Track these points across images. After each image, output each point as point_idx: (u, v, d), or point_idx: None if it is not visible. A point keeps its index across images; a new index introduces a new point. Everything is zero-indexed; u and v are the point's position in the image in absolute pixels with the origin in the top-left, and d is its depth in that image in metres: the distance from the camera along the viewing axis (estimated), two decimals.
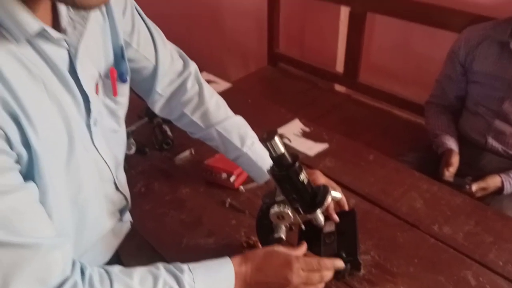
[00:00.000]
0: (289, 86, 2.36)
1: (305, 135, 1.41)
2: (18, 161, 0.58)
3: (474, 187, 1.33)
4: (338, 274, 0.87)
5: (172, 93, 0.98)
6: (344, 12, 2.16)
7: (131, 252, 1.01)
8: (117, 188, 0.86)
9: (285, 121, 1.48)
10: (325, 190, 0.77)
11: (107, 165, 0.80)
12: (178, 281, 0.68)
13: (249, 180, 1.21)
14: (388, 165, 1.27)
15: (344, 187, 1.18)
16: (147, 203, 1.16)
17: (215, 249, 1.03)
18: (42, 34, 0.59)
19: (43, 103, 0.61)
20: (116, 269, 0.67)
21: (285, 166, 0.72)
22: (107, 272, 0.66)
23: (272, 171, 0.74)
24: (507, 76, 1.38)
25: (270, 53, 2.51)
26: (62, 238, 0.63)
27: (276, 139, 0.70)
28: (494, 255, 0.98)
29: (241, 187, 1.18)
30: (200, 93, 0.98)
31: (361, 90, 2.18)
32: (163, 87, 0.95)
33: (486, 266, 0.95)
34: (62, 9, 0.65)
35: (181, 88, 0.97)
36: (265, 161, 0.94)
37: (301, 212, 0.78)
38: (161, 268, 0.70)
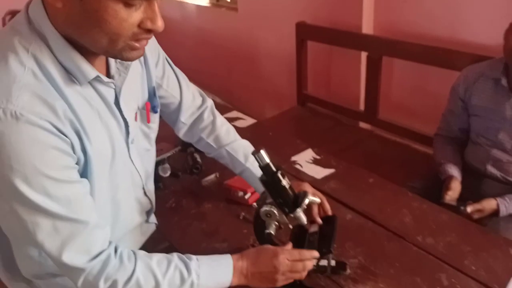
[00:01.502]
0: (316, 123, 2.58)
1: (315, 162, 1.61)
2: (77, 163, 0.83)
3: (469, 208, 1.45)
4: (322, 269, 1.04)
5: (192, 122, 1.24)
6: (364, 56, 2.38)
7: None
8: (145, 193, 1.10)
9: (299, 150, 1.69)
10: (304, 194, 0.97)
11: (139, 174, 1.05)
12: (186, 266, 0.91)
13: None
14: (386, 187, 1.43)
15: (344, 205, 1.35)
16: (176, 216, 1.39)
17: (228, 251, 1.22)
18: (97, 79, 0.85)
19: (96, 125, 0.87)
20: (141, 252, 0.90)
21: (270, 174, 0.93)
22: (134, 253, 0.89)
23: (261, 178, 0.95)
24: (501, 108, 1.52)
25: (299, 94, 2.75)
26: (104, 221, 0.87)
27: (262, 152, 0.92)
28: (469, 262, 1.11)
29: (254, 204, 1.38)
30: (214, 122, 1.24)
31: (381, 126, 2.36)
32: (186, 118, 1.22)
33: (460, 270, 1.08)
34: (112, 61, 0.92)
35: (200, 118, 1.24)
36: None
37: (287, 212, 0.98)
38: (174, 255, 0.92)
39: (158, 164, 1.50)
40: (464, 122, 1.69)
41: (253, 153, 0.92)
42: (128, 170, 1.01)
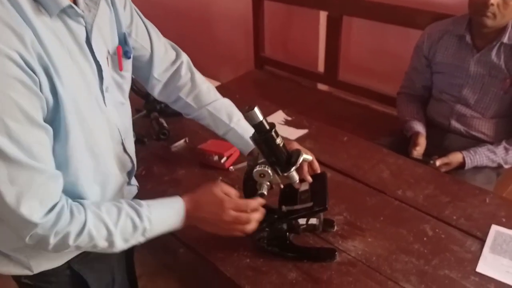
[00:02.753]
0: (275, 86, 2.54)
1: (287, 123, 1.58)
2: (45, 105, 0.72)
3: (438, 162, 1.50)
4: (312, 228, 1.03)
5: (168, 79, 1.15)
6: (323, 16, 2.35)
7: None
8: (125, 150, 1.00)
9: (269, 112, 1.64)
10: (298, 153, 0.93)
11: (118, 128, 0.94)
12: (138, 213, 0.87)
13: (238, 161, 1.37)
14: (360, 144, 1.44)
15: (321, 163, 1.33)
16: (148, 183, 1.31)
17: None
18: (66, 11, 0.74)
19: (67, 63, 0.76)
20: (87, 202, 0.85)
21: (264, 132, 0.88)
22: (81, 203, 0.83)
23: (253, 137, 0.90)
24: (465, 65, 1.56)
25: (256, 56, 2.69)
26: (59, 172, 0.79)
27: (256, 109, 0.86)
28: (450, 212, 1.14)
29: (231, 167, 1.34)
30: (193, 79, 1.15)
31: (341, 88, 2.36)
32: (159, 73, 1.12)
33: (442, 220, 1.11)
34: None
35: (176, 74, 1.14)
36: (249, 134, 1.11)
37: (279, 173, 0.94)
38: (123, 203, 0.88)
39: None
40: (427, 79, 1.73)
41: (246, 111, 0.86)
42: (106, 122, 0.90)
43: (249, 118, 0.87)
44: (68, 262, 0.95)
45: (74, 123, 0.78)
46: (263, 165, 0.92)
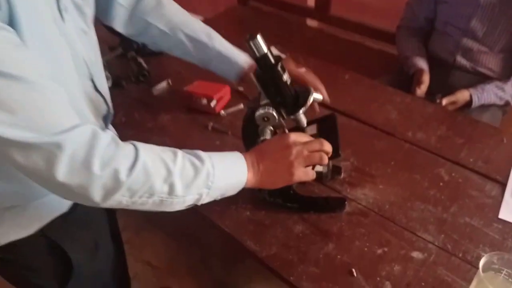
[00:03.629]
0: (260, 24, 2.34)
1: None
2: None
3: (444, 101, 1.39)
4: (320, 176, 0.92)
5: (133, 5, 0.97)
6: None
7: None
8: (96, 88, 0.84)
9: None
10: (306, 91, 0.80)
11: (83, 59, 0.78)
12: (196, 155, 0.71)
13: (229, 104, 1.23)
14: (363, 83, 1.31)
15: (323, 105, 1.21)
16: (130, 130, 1.17)
17: None
18: None
19: None
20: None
21: (269, 67, 0.74)
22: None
23: (256, 73, 0.76)
24: None
25: None
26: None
27: (259, 38, 0.71)
28: (465, 154, 1.04)
29: (222, 112, 1.20)
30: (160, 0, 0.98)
31: (333, 23, 2.19)
32: None
33: (458, 163, 1.02)
34: None
35: None
36: (236, 55, 0.98)
37: (284, 116, 0.81)
38: (176, 149, 0.72)
39: None
40: (431, 10, 1.58)
41: (248, 40, 0.72)
42: (68, 49, 0.73)
43: (252, 49, 0.73)
44: (42, 230, 0.81)
45: (31, 39, 0.61)
46: (266, 107, 0.78)
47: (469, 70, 1.52)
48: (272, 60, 0.74)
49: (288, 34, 2.23)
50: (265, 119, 0.80)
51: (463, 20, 1.47)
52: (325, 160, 0.78)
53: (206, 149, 1.10)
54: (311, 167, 0.79)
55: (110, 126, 0.97)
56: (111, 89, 1.30)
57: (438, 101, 1.38)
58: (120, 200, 0.64)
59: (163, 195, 0.66)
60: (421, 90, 1.46)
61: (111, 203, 0.64)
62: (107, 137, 0.63)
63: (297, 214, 0.92)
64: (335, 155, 0.81)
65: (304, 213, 0.92)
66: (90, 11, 0.82)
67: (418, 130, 1.12)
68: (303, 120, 0.82)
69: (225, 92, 1.24)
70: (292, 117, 0.80)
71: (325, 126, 0.90)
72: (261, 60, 0.74)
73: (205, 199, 0.72)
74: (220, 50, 0.98)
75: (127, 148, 0.64)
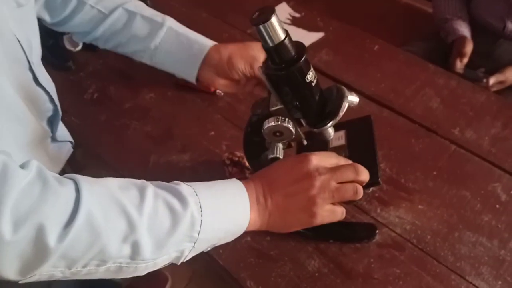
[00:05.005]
0: None
1: (295, 22, 1.15)
2: None
3: (492, 80, 1.15)
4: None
5: None
6: None
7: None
8: (36, 79, 0.61)
9: (269, 5, 1.20)
10: (340, 94, 0.55)
11: (18, 40, 0.55)
12: (174, 192, 0.48)
13: None
14: (397, 57, 1.05)
15: (345, 86, 0.96)
16: (102, 113, 0.93)
17: (192, 167, 0.83)
18: None
19: None
20: (75, 175, 0.45)
21: (286, 62, 0.50)
22: (64, 176, 0.45)
23: (266, 69, 0.51)
24: None
25: None
26: None
27: (274, 19, 0.47)
28: None
29: (219, 91, 0.96)
30: None
31: None
32: None
33: None
34: None
35: None
36: (199, 36, 0.75)
37: (304, 124, 0.58)
38: (146, 182, 0.49)
39: (61, 34, 0.97)
40: None
41: (256, 23, 0.47)
42: None
43: (263, 36, 0.48)
44: None
45: None
46: (280, 118, 0.54)
47: None
48: (293, 52, 0.49)
49: None
50: (277, 134, 0.56)
51: None
52: (360, 194, 0.55)
53: (198, 141, 0.88)
54: (338, 203, 0.56)
55: (62, 128, 0.73)
56: (82, 53, 1.07)
57: (484, 80, 1.13)
58: (52, 272, 0.42)
59: (122, 260, 0.44)
60: (462, 63, 1.21)
61: (38, 277, 0.42)
62: (27, 174, 0.40)
63: (312, 243, 0.71)
64: (372, 182, 0.59)
65: (321, 242, 0.71)
66: None
67: (467, 126, 0.88)
68: (331, 133, 0.59)
69: None
70: (316, 130, 0.57)
71: (357, 134, 0.67)
72: (275, 51, 0.49)
73: (189, 256, 0.49)
74: (176, 29, 0.74)
75: (63, 189, 0.41)
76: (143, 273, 0.47)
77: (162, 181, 0.52)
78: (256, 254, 0.70)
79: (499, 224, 0.73)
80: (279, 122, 0.54)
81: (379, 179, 0.59)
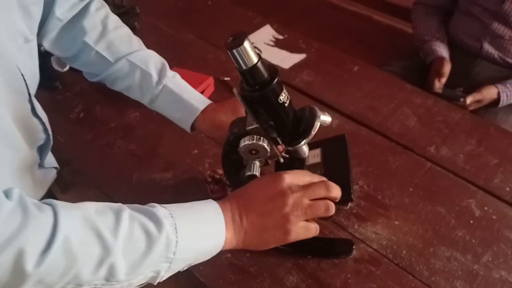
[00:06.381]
0: None
1: (278, 44, 1.19)
2: None
3: (469, 99, 1.18)
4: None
5: (72, 19, 0.74)
6: None
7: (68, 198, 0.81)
8: (34, 111, 0.63)
9: (253, 27, 1.24)
10: (312, 114, 0.58)
11: (21, 74, 0.57)
12: (150, 215, 0.49)
13: (213, 98, 1.00)
14: (375, 77, 1.09)
15: (326, 106, 1.00)
16: (88, 132, 0.95)
17: (174, 185, 0.85)
18: None
19: None
20: (53, 200, 0.46)
21: (260, 84, 0.52)
22: (42, 202, 0.46)
23: (241, 90, 0.54)
24: None
25: None
26: None
27: (246, 44, 0.49)
28: (500, 180, 0.85)
29: None
30: (105, 20, 0.75)
31: None
32: (63, 12, 0.71)
33: (492, 193, 0.82)
34: None
35: (83, 12, 0.74)
36: (193, 95, 0.75)
37: (280, 143, 0.60)
38: (117, 204, 0.50)
39: (49, 55, 0.99)
40: None
41: (230, 47, 0.49)
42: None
43: (236, 59, 0.50)
44: None
45: None
46: (255, 137, 0.57)
47: (497, 60, 1.29)
48: (265, 74, 0.52)
49: (285, 4, 1.97)
50: (253, 152, 0.58)
51: (494, 0, 1.23)
52: (332, 210, 0.58)
53: (181, 159, 0.90)
54: (312, 220, 0.58)
55: (50, 156, 0.75)
56: (70, 73, 1.09)
57: (462, 100, 1.17)
58: None
59: (98, 281, 0.45)
60: (441, 83, 1.25)
61: None
62: (9, 204, 0.42)
63: (291, 259, 0.73)
64: (345, 199, 0.61)
65: (300, 258, 0.73)
66: (37, 13, 0.60)
67: (442, 144, 0.91)
68: (305, 151, 0.61)
69: (208, 84, 1.02)
70: (291, 149, 0.59)
71: (332, 152, 0.69)
72: (249, 74, 0.51)
73: (165, 276, 0.51)
74: (171, 88, 0.74)
75: (42, 216, 0.43)
76: None
77: (144, 198, 0.53)
78: (236, 270, 0.72)
79: (473, 239, 0.75)
80: (254, 141, 0.56)
81: (352, 195, 0.61)
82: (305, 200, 0.56)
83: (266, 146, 0.57)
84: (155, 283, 0.50)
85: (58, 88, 1.05)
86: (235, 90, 0.55)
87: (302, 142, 0.57)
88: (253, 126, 0.58)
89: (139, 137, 0.94)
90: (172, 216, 0.50)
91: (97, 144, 0.92)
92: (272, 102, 0.53)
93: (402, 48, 1.56)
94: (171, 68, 0.83)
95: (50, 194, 0.79)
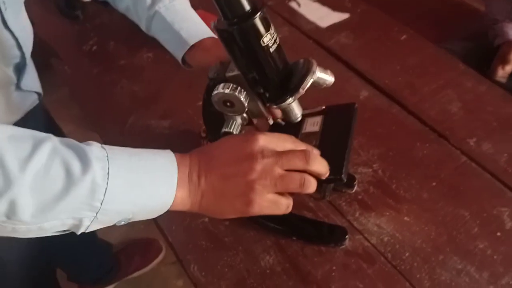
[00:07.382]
0: None
1: None
2: None
3: None
4: (319, 192, 0.61)
5: None
6: None
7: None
8: (4, 21, 0.57)
9: None
10: (307, 67, 0.47)
11: None
12: (79, 152, 0.41)
13: None
14: (423, 50, 0.93)
15: (358, 74, 0.87)
16: (95, 67, 0.89)
17: (168, 135, 0.78)
18: None
19: None
20: None
21: (238, 16, 0.42)
22: None
23: (217, 25, 0.44)
24: None
25: None
26: None
27: None
28: None
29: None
30: None
31: None
32: None
33: None
34: None
35: None
36: (186, 25, 0.65)
37: (267, 100, 0.50)
38: (51, 136, 0.42)
39: None
40: None
41: None
42: None
43: None
44: None
45: None
46: (232, 85, 0.47)
47: None
48: (247, 7, 0.41)
49: None
50: (228, 104, 0.48)
51: None
52: (310, 187, 0.47)
53: (182, 109, 0.82)
54: (286, 194, 0.48)
55: (30, 78, 0.69)
56: (93, 4, 1.03)
57: None
58: None
59: None
60: (505, 70, 1.07)
61: None
62: None
63: (273, 237, 0.64)
64: (334, 178, 0.50)
65: (282, 238, 0.63)
66: None
67: (485, 138, 0.76)
68: (296, 112, 0.50)
69: None
70: (275, 107, 0.48)
71: (335, 123, 0.57)
72: (225, 2, 0.41)
73: (91, 226, 0.43)
74: (163, 15, 0.65)
75: None
76: (28, 236, 0.41)
77: (132, 144, 0.45)
78: (209, 237, 0.64)
79: (495, 254, 0.62)
80: (229, 90, 0.47)
81: (343, 175, 0.50)
82: (278, 169, 0.45)
83: (242, 99, 0.47)
84: (78, 233, 0.43)
85: (78, 18, 1.00)
86: (212, 24, 0.45)
87: (288, 100, 0.46)
88: (234, 73, 0.48)
89: (145, 79, 0.87)
90: (108, 159, 0.42)
91: (100, 80, 0.87)
92: (252, 42, 0.43)
93: (469, 28, 1.35)
94: (195, 9, 0.74)
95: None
